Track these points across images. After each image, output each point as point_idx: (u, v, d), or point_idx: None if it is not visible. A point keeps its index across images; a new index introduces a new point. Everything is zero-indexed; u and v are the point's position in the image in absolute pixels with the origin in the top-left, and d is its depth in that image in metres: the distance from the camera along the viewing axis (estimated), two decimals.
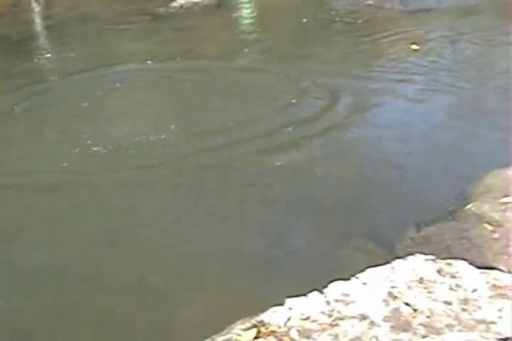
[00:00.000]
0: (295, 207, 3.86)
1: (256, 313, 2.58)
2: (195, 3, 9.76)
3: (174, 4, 9.70)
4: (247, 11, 9.95)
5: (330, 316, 2.52)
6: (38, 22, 9.67)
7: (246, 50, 7.55)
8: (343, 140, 4.85)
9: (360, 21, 8.60)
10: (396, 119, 5.27)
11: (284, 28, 8.67)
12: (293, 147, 4.69)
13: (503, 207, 3.31)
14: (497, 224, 3.25)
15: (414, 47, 7.23)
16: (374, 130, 5.04)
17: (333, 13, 9.11)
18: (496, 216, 3.29)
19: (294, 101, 5.56)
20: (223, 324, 2.58)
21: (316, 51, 7.23)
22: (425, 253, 2.89)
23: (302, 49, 7.34)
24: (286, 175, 4.29)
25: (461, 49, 7.19)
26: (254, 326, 2.50)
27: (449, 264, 2.79)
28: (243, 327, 2.51)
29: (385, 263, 2.86)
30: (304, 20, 8.77)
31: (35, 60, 7.45)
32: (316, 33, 8.23)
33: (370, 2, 10.03)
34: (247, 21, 9.50)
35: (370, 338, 2.38)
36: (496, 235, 3.21)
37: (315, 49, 7.33)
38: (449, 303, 2.54)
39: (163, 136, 4.86)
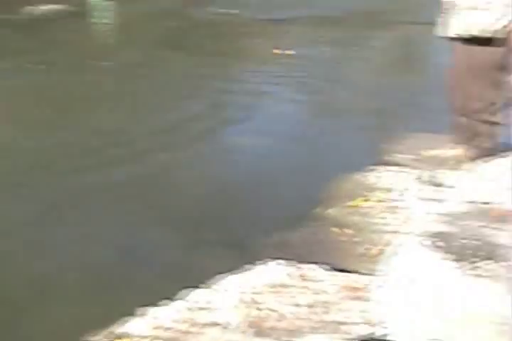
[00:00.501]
0: (148, 215, 3.80)
1: (108, 324, 2.51)
2: (49, 10, 9.35)
3: (25, 11, 9.20)
4: (107, 19, 9.74)
5: (184, 324, 2.50)
6: None
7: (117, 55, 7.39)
8: (201, 145, 4.85)
9: (224, 29, 8.70)
10: (255, 124, 5.33)
11: (150, 35, 8.58)
12: (154, 154, 4.64)
13: (351, 211, 3.43)
14: (345, 227, 3.36)
15: (276, 51, 7.61)
16: (234, 134, 5.10)
17: (197, 22, 9.16)
18: (345, 219, 3.39)
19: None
20: (75, 336, 2.49)
21: (185, 57, 7.24)
22: (280, 258, 2.93)
23: (169, 56, 7.30)
24: (140, 183, 4.21)
25: (320, 55, 7.46)
26: (107, 337, 2.44)
27: (300, 268, 2.84)
28: (96, 339, 2.44)
29: (240, 269, 2.87)
30: (174, 23, 8.78)
31: None
32: (181, 40, 8.23)
33: (220, 10, 10.15)
34: (108, 29, 9.33)
35: None
36: (344, 238, 3.31)
37: (183, 56, 7.33)
38: (305, 307, 2.58)
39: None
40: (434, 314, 1.83)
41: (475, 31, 3.03)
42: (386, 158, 4.20)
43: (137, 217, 3.77)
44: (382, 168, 3.90)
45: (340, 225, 3.40)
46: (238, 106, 5.73)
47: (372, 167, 3.93)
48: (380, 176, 3.76)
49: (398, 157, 4.15)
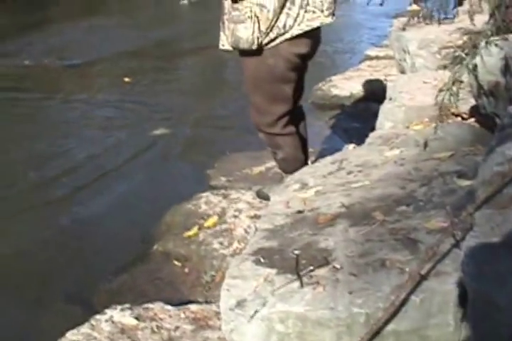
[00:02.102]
0: None
1: None
2: None
3: None
4: None
5: None
6: None
7: None
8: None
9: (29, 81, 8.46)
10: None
11: None
12: None
13: (187, 242, 3.41)
14: (185, 259, 3.33)
15: (126, 79, 7.81)
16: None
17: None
18: (182, 251, 3.36)
19: None
20: None
21: None
22: (121, 303, 2.85)
23: None
24: None
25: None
26: None
27: (146, 308, 2.77)
28: None
29: (88, 321, 2.76)
30: None
31: None
32: None
33: (27, 62, 9.85)
34: None
35: None
36: (186, 269, 3.28)
37: None
38: None
39: None
40: (273, 328, 1.84)
41: (241, 44, 3.09)
42: (213, 182, 4.23)
43: None
44: (210, 193, 3.92)
45: (181, 257, 3.38)
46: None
47: (201, 194, 3.93)
48: (209, 202, 3.77)
49: (224, 179, 4.20)
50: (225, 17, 3.14)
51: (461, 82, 3.33)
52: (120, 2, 22.07)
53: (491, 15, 3.60)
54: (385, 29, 8.13)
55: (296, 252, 1.97)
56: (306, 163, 3.48)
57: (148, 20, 13.80)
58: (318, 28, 3.19)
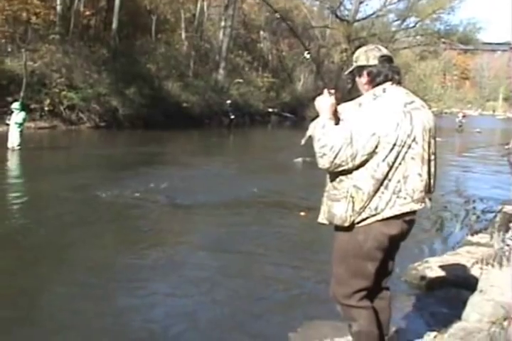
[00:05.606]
0: None
1: None
2: None
3: None
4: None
5: None
6: None
7: None
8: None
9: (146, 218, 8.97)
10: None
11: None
12: None
13: None
14: None
15: (302, 213, 9.07)
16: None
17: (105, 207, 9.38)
18: None
19: None
20: None
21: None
22: None
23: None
24: None
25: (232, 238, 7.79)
26: None
27: None
28: None
29: None
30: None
31: None
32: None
33: (137, 195, 10.45)
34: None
35: None
36: None
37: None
38: None
39: None
40: None
41: (335, 220, 3.37)
42: None
43: None
44: None
45: None
46: None
47: None
48: None
49: None
50: (325, 194, 3.45)
51: None
52: (235, 149, 23.20)
53: None
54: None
55: None
56: (382, 339, 3.54)
57: (260, 171, 14.41)
58: (411, 213, 3.41)
